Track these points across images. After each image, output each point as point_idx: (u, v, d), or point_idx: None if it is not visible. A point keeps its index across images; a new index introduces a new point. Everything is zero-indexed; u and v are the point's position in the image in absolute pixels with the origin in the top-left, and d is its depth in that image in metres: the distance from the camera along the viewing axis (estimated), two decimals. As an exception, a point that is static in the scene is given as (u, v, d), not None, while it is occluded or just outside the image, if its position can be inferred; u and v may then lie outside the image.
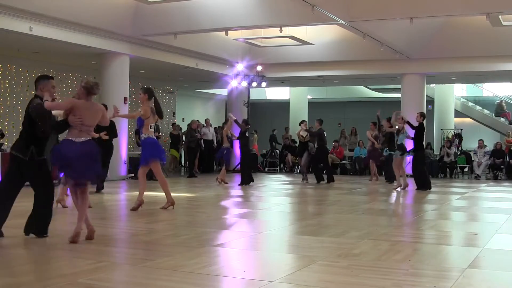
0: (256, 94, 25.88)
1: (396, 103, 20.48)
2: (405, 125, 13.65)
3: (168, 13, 15.09)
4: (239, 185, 14.44)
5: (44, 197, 6.32)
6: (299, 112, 24.81)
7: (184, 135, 20.42)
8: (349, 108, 27.37)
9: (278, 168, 22.26)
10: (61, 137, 7.26)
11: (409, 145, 13.86)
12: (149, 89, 9.14)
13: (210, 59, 19.15)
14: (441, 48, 18.26)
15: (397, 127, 13.85)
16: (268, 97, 29.56)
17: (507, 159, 19.23)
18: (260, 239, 6.85)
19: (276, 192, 13.72)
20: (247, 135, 14.74)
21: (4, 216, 6.23)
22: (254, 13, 14.71)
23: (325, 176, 15.91)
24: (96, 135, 10.22)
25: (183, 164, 22.11)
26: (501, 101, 25.25)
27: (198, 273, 4.77)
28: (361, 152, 20.37)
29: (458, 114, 25.30)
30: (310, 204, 11.14)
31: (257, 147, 23.12)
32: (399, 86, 21.05)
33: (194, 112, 25.45)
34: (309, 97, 26.70)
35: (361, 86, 27.41)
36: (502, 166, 19.33)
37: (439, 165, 20.15)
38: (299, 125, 16.20)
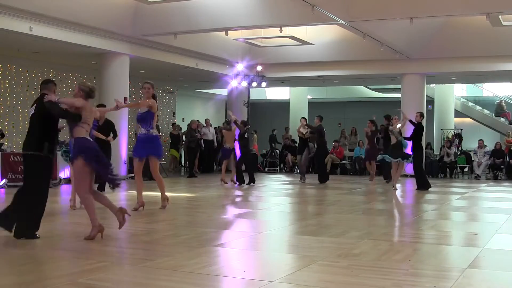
0: (256, 94, 25.89)
1: (396, 103, 20.47)
2: (406, 122, 13.71)
3: (168, 13, 15.10)
4: (238, 185, 14.46)
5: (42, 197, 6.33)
6: (299, 112, 24.77)
7: (184, 135, 20.43)
8: (349, 108, 27.37)
9: (278, 168, 22.26)
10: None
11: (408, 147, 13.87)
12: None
13: (210, 59, 19.16)
14: (441, 48, 18.26)
15: (398, 126, 13.77)
16: (268, 97, 29.57)
17: (507, 159, 19.24)
18: (260, 239, 6.84)
19: (276, 192, 13.72)
20: (246, 136, 14.75)
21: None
22: (254, 13, 14.71)
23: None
24: (103, 137, 10.22)
25: (183, 164, 22.12)
26: (501, 101, 25.25)
27: (198, 273, 4.77)
28: (361, 152, 20.35)
29: (458, 114, 25.31)
30: (310, 204, 11.14)
31: (257, 147, 23.12)
32: (399, 86, 21.05)
33: (194, 112, 25.45)
34: (309, 97, 26.71)
35: (361, 86, 27.41)
36: (502, 166, 19.34)
37: (439, 165, 20.15)
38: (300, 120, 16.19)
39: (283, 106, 26.65)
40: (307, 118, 17.42)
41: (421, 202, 11.40)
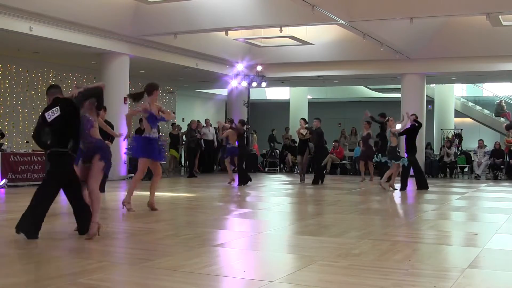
0: (256, 94, 25.88)
1: (396, 103, 20.48)
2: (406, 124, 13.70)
3: (168, 13, 15.10)
4: (238, 185, 14.46)
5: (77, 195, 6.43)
6: (299, 112, 24.81)
7: (184, 135, 20.43)
8: (349, 108, 27.36)
9: (278, 168, 22.25)
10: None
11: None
12: None
13: (210, 59, 19.16)
14: (441, 48, 18.27)
15: (398, 126, 13.73)
16: (268, 97, 29.57)
17: (507, 159, 19.23)
18: (260, 239, 6.84)
19: (276, 192, 13.71)
20: (245, 136, 14.73)
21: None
22: (254, 13, 14.72)
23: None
24: (114, 133, 10.20)
25: (183, 164, 22.11)
26: (501, 101, 25.25)
27: (198, 273, 4.76)
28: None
29: (458, 114, 25.32)
30: (310, 204, 11.13)
31: (257, 147, 23.12)
32: (399, 86, 21.06)
33: (194, 112, 25.46)
34: (309, 97, 26.71)
35: (361, 86, 27.42)
36: (502, 166, 19.33)
37: (439, 165, 20.15)
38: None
39: (283, 106, 26.66)
40: (306, 118, 17.41)
41: (421, 202, 11.40)
